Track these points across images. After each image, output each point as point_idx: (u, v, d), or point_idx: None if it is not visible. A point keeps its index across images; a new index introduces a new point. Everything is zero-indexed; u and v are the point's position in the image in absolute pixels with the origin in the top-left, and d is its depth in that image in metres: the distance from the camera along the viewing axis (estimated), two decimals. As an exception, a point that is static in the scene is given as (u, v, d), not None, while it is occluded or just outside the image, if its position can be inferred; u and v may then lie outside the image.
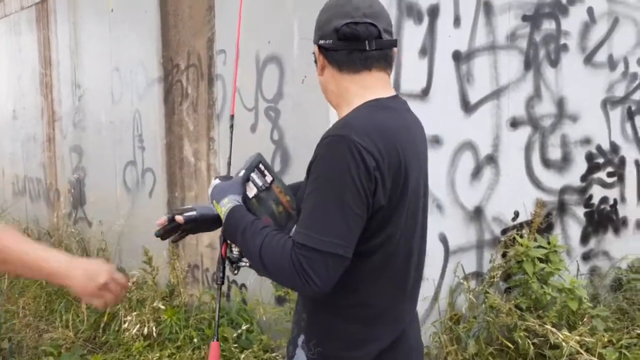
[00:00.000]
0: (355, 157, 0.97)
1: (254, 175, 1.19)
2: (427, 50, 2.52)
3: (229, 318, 2.86)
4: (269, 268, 1.03)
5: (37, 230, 4.88)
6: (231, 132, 1.45)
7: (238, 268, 1.24)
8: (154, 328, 2.85)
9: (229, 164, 1.42)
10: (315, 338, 1.12)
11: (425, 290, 2.35)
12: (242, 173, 1.19)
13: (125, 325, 2.97)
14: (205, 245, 3.29)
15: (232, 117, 1.44)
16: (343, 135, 0.99)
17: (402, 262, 1.12)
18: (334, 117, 1.50)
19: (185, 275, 3.34)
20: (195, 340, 2.72)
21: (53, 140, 5.03)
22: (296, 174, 2.44)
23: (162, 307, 2.93)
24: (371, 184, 0.99)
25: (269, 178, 1.21)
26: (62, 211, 4.63)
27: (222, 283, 1.30)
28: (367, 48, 1.07)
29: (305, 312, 1.14)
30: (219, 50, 3.12)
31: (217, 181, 1.21)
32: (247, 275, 2.94)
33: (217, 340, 1.23)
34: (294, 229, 1.08)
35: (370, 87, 1.10)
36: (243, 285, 3.03)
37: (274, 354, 2.56)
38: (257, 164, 1.21)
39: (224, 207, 1.13)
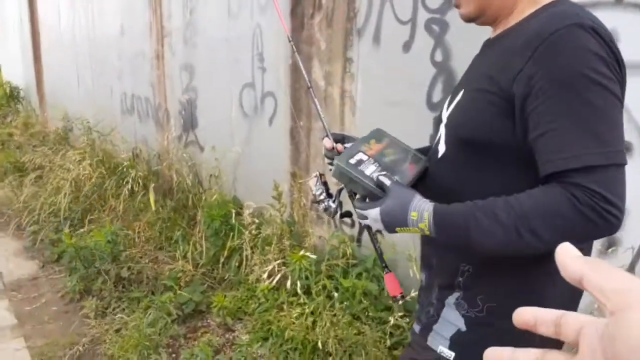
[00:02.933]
0: (604, 46, 0.82)
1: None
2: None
3: (363, 267, 2.52)
4: (546, 236, 0.81)
5: (147, 151, 4.79)
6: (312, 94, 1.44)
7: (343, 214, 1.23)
8: (280, 270, 2.59)
9: (326, 129, 1.29)
10: (485, 292, 0.98)
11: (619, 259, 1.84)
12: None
13: (249, 263, 2.74)
14: (335, 183, 2.92)
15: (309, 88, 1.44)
16: (581, 24, 0.82)
17: None
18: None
19: (306, 213, 3.03)
20: (329, 289, 2.42)
21: (162, 57, 4.81)
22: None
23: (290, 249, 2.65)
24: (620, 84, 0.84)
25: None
26: (172, 134, 4.47)
27: (335, 213, 1.23)
28: None
29: (469, 263, 0.99)
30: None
31: (376, 210, 0.98)
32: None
33: (390, 271, 1.23)
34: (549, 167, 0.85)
35: None
36: (378, 231, 2.65)
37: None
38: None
39: (423, 223, 0.93)
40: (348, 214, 1.22)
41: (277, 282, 2.58)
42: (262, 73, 3.49)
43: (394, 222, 0.95)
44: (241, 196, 3.69)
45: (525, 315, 0.38)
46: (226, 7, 3.72)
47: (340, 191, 1.20)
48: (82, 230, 3.69)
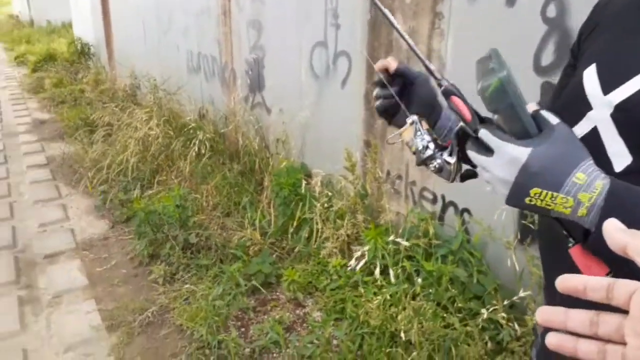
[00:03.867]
0: None
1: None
2: None
3: (447, 249, 2.30)
4: None
5: (214, 112, 4.70)
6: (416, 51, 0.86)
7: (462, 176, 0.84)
8: (353, 247, 2.41)
9: (431, 71, 0.82)
10: None
11: None
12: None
13: (319, 236, 2.59)
14: (414, 152, 2.68)
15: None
16: None
17: None
18: None
19: (381, 186, 2.82)
20: (409, 271, 2.22)
21: (229, 13, 4.62)
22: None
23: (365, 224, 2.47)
24: None
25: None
26: (238, 95, 4.33)
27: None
28: None
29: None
30: None
31: (525, 150, 0.63)
32: (472, 195, 2.30)
33: (576, 243, 0.66)
34: None
35: None
36: (466, 210, 2.41)
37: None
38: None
39: (587, 196, 0.59)
40: (473, 174, 0.83)
41: (351, 258, 2.42)
42: (336, 30, 3.23)
43: (541, 178, 0.61)
44: (309, 162, 3.53)
45: (574, 282, 0.40)
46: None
47: (458, 136, 0.84)
48: (150, 191, 3.67)
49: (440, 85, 0.79)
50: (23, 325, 2.56)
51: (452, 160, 0.82)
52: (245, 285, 2.53)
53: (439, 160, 0.82)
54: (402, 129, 0.86)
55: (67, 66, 9.35)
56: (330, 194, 2.76)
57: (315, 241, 2.67)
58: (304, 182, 2.91)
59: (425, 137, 0.84)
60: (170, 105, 4.93)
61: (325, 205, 2.67)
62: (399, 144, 2.78)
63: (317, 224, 2.67)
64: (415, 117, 0.86)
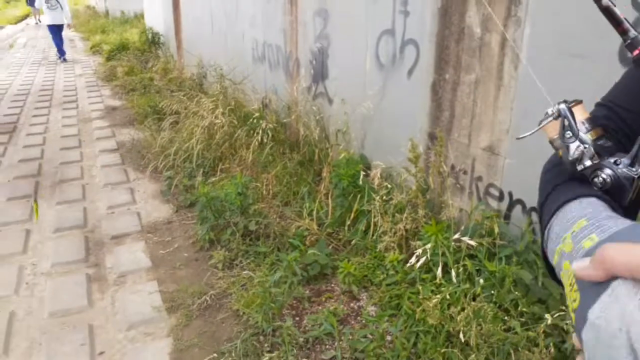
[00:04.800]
0: None
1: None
2: None
3: (512, 250, 2.21)
4: None
5: (277, 102, 4.77)
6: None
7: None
8: (412, 242, 2.38)
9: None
10: None
11: None
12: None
13: (377, 229, 2.57)
14: (482, 148, 2.59)
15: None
16: None
17: None
18: None
19: (445, 180, 2.75)
20: (470, 271, 2.16)
21: (295, 1, 4.66)
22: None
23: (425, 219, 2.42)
24: None
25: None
26: (301, 84, 4.37)
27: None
28: None
29: None
30: None
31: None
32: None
33: None
34: None
35: None
36: (534, 209, 2.31)
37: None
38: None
39: None
40: None
41: (408, 254, 2.38)
42: (404, 17, 3.17)
43: None
44: (369, 154, 3.50)
45: None
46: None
47: None
48: (214, 178, 3.79)
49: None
50: (90, 302, 2.73)
51: (636, 173, 0.58)
52: (302, 274, 2.56)
53: (608, 172, 0.59)
54: (542, 124, 0.65)
55: (138, 55, 9.82)
56: (389, 186, 2.73)
57: (373, 234, 2.65)
58: (362, 174, 2.89)
59: (580, 139, 0.62)
60: (235, 95, 5.05)
61: (384, 198, 2.65)
62: (467, 144, 2.70)
63: (375, 216, 2.65)
64: (562, 106, 0.64)
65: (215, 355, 2.24)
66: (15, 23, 29.91)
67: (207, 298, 2.61)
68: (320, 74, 4.25)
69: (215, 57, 6.37)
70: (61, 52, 11.72)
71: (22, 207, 3.92)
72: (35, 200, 2.57)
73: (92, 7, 27.18)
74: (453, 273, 2.14)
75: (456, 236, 2.23)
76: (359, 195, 2.83)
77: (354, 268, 2.50)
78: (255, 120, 4.22)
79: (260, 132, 3.98)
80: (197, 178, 3.90)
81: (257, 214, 3.13)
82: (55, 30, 11.43)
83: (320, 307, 2.44)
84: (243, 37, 5.87)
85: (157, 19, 10.22)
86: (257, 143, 3.92)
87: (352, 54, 3.73)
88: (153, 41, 10.10)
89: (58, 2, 11.00)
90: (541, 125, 0.66)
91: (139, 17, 14.28)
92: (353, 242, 2.77)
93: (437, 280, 2.13)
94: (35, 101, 7.82)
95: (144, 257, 3.14)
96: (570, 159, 0.62)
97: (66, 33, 13.32)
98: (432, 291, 2.14)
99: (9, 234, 3.49)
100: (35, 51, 14.23)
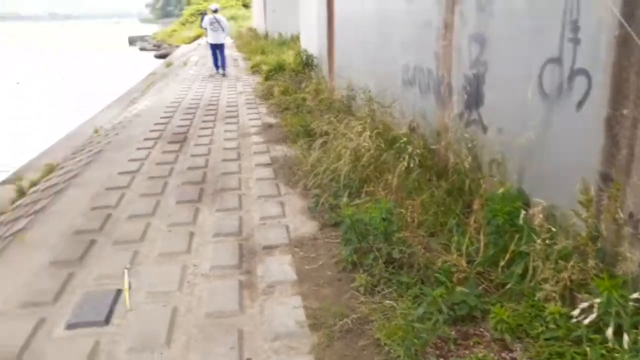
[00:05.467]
0: None
1: None
2: None
3: None
4: None
5: (425, 127, 4.67)
6: None
7: None
8: (579, 295, 2.11)
9: None
10: None
11: None
12: None
13: (536, 275, 2.33)
14: None
15: None
16: None
17: None
18: None
19: (620, 229, 2.41)
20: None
21: (451, 27, 4.53)
22: None
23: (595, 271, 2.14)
24: None
25: None
26: (453, 110, 4.22)
27: None
28: None
29: None
30: None
31: None
32: None
33: None
34: None
35: None
36: None
37: None
38: None
39: None
40: None
41: (572, 307, 2.12)
42: (574, 46, 2.89)
43: None
44: (528, 190, 3.23)
45: None
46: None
47: None
48: (358, 200, 3.81)
49: None
50: (241, 307, 2.88)
51: None
52: (448, 313, 2.42)
53: None
54: None
55: (293, 76, 10.39)
56: (553, 229, 2.47)
57: (531, 280, 2.42)
58: (523, 212, 2.67)
59: None
60: (383, 118, 5.06)
61: (547, 241, 2.40)
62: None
63: (534, 260, 2.41)
64: None
65: (355, 382, 2.21)
66: (189, 43, 33.72)
67: (349, 321, 2.60)
68: (474, 100, 4.06)
69: (365, 80, 6.47)
70: (216, 67, 13.67)
71: (188, 210, 4.32)
72: (127, 285, 2.87)
73: (254, 29, 29.56)
74: (625, 338, 1.85)
75: (635, 295, 1.93)
76: (516, 235, 2.60)
77: (507, 315, 2.29)
78: (402, 144, 4.16)
79: (407, 156, 3.92)
80: (343, 198, 3.95)
81: (400, 242, 3.06)
82: (216, 48, 13.36)
83: (467, 352, 2.28)
84: (394, 60, 5.87)
85: (312, 41, 10.73)
86: (403, 167, 3.86)
87: (511, 82, 3.50)
88: (307, 63, 10.63)
89: (220, 24, 12.88)
90: None
91: (295, 39, 15.16)
92: (507, 285, 2.56)
93: (609, 344, 1.86)
94: (203, 114, 8.67)
95: (290, 271, 3.24)
96: None
97: (230, 53, 14.80)
98: (602, 355, 1.87)
99: (176, 235, 3.86)
100: (205, 69, 15.83)
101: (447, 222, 3.24)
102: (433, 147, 4.24)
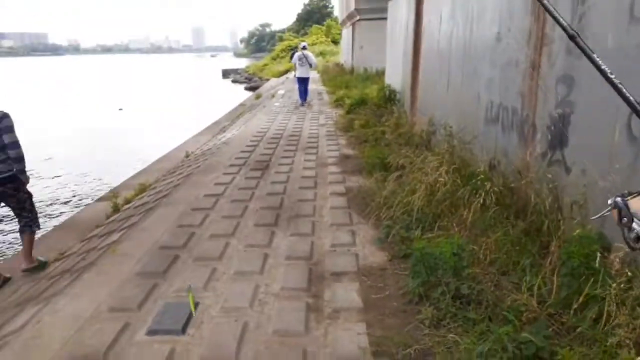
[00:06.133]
0: None
1: None
2: None
3: None
4: None
5: (505, 165, 4.63)
6: None
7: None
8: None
9: None
10: None
11: None
12: None
13: (610, 320, 2.27)
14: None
15: None
16: None
17: None
18: None
19: None
20: None
21: (538, 67, 4.52)
22: None
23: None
24: None
25: None
26: (536, 150, 4.17)
27: None
28: None
29: None
30: None
31: None
32: None
33: None
34: None
35: None
36: None
37: None
38: None
39: None
40: None
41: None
42: (668, 88, 2.81)
43: None
44: (610, 234, 3.12)
45: None
46: (627, 10, 3.16)
47: None
48: (430, 234, 3.85)
49: None
50: (307, 329, 3.01)
51: None
52: (513, 352, 2.40)
53: None
54: (602, 213, 0.94)
55: (375, 110, 10.63)
56: (630, 274, 2.39)
57: (605, 325, 2.34)
58: (599, 255, 2.60)
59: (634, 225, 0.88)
60: (461, 154, 5.08)
61: (623, 286, 2.32)
62: None
63: (609, 305, 2.34)
64: (618, 199, 0.88)
65: (412, 411, 2.25)
66: (278, 76, 35.42)
67: (412, 351, 2.64)
68: (558, 141, 4.00)
69: (446, 116, 6.52)
70: (302, 98, 15.49)
71: (264, 233, 4.57)
72: (190, 291, 3.04)
73: (341, 64, 30.47)
74: None
75: None
76: (592, 279, 2.54)
77: (576, 359, 2.23)
78: (480, 181, 4.16)
79: (484, 193, 3.91)
80: (415, 231, 4.01)
81: (470, 278, 3.06)
82: (302, 82, 15.38)
83: (531, 393, 2.25)
84: (478, 97, 5.89)
85: (396, 77, 10.94)
86: (479, 204, 3.86)
87: (598, 124, 3.44)
88: (389, 97, 10.84)
89: (307, 59, 15.05)
90: (600, 215, 0.93)
91: (380, 74, 15.49)
92: (579, 329, 2.49)
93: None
94: (285, 144, 9.09)
95: (356, 298, 3.34)
96: (626, 239, 0.86)
97: (316, 87, 15.82)
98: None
99: (251, 255, 4.10)
100: (290, 101, 16.57)
101: (521, 261, 3.19)
102: (512, 185, 4.19)
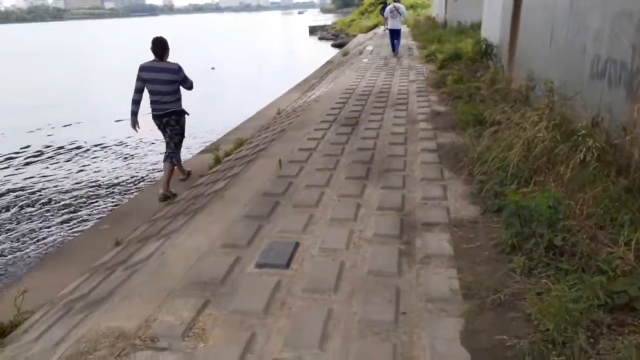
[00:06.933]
0: None
1: None
2: None
3: None
4: None
5: (609, 121, 4.48)
6: None
7: None
8: None
9: None
10: None
11: None
12: None
13: None
14: None
15: None
16: None
17: None
18: None
19: None
20: None
21: (654, 15, 4.27)
22: None
23: None
24: None
25: None
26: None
27: None
28: None
29: None
30: None
31: None
32: None
33: None
34: None
35: None
36: None
37: None
38: None
39: None
40: None
41: None
42: None
43: None
44: None
45: None
46: None
47: None
48: (526, 189, 3.90)
49: None
50: (399, 271, 3.26)
51: None
52: (605, 300, 2.50)
53: None
54: None
55: (469, 65, 10.36)
56: None
57: None
58: None
59: None
60: (562, 110, 4.96)
61: None
62: None
63: None
64: None
65: (501, 343, 2.44)
66: (366, 32, 34.90)
67: (501, 296, 2.81)
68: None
69: (547, 71, 6.30)
70: (393, 50, 16.49)
71: (356, 185, 4.84)
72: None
73: (432, 17, 29.42)
74: None
75: None
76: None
77: (671, 309, 2.30)
78: (581, 137, 4.10)
79: (585, 149, 3.87)
80: (509, 187, 4.07)
81: (565, 230, 3.13)
82: (394, 34, 16.40)
83: (620, 338, 2.35)
84: (583, 51, 5.64)
85: (493, 30, 10.53)
86: (578, 160, 3.83)
87: None
88: (485, 52, 10.49)
89: (398, 12, 15.81)
90: None
91: (475, 27, 14.89)
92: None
93: None
94: (374, 101, 9.22)
95: (447, 246, 3.53)
96: None
97: (406, 42, 15.96)
98: None
99: (345, 204, 4.39)
100: (378, 57, 16.47)
101: (619, 217, 3.19)
102: (616, 142, 4.09)
